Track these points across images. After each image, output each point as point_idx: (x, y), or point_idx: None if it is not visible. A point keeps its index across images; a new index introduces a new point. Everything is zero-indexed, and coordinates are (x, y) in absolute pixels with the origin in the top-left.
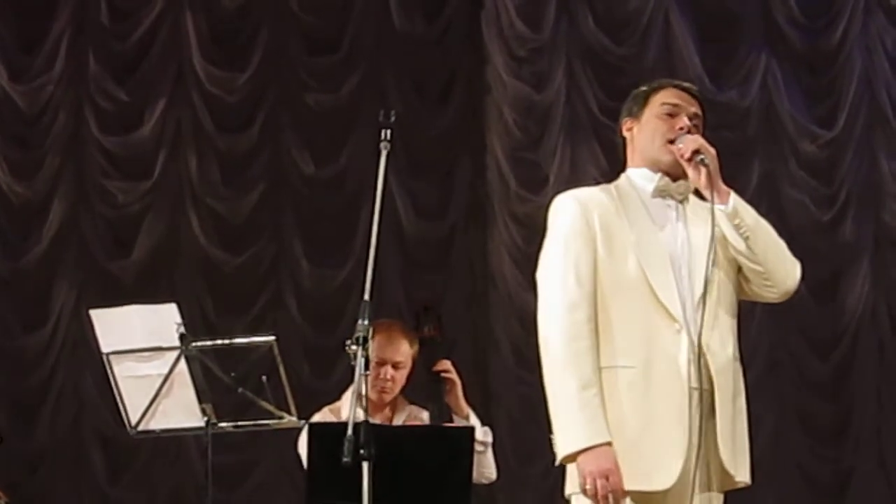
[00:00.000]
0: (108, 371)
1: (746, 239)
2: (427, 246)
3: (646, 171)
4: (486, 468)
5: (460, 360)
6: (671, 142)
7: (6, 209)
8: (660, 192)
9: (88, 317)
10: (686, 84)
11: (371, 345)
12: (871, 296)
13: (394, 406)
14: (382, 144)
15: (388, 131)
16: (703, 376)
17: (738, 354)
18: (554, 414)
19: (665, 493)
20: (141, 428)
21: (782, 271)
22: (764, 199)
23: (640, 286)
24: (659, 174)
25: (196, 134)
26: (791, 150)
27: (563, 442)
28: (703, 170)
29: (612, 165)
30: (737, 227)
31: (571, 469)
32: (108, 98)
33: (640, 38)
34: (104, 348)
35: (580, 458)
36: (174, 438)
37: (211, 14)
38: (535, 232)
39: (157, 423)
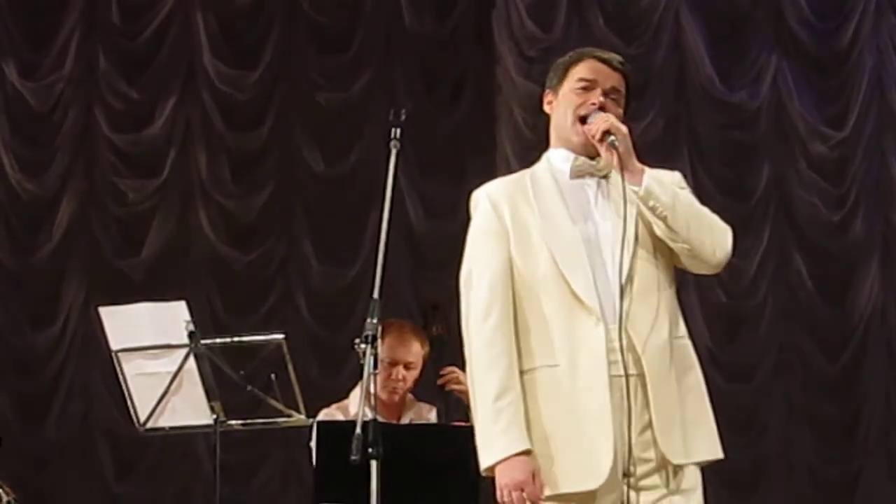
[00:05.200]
0: (118, 368)
1: (664, 219)
2: (437, 245)
3: (563, 152)
4: None
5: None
6: (583, 119)
7: (16, 206)
8: (577, 173)
9: (98, 314)
10: (607, 55)
11: (381, 344)
12: (880, 296)
13: (402, 404)
14: (392, 143)
15: (399, 130)
16: (631, 362)
17: (681, 331)
18: (475, 424)
19: (596, 491)
20: (150, 425)
21: (709, 245)
22: (774, 200)
23: (556, 281)
24: (574, 154)
25: (206, 132)
26: (801, 151)
27: (483, 454)
28: (614, 151)
29: None
30: (652, 210)
31: None
32: (119, 96)
33: (651, 37)
34: (113, 346)
35: (497, 470)
36: (182, 436)
37: (221, 12)
38: None
39: (165, 420)
